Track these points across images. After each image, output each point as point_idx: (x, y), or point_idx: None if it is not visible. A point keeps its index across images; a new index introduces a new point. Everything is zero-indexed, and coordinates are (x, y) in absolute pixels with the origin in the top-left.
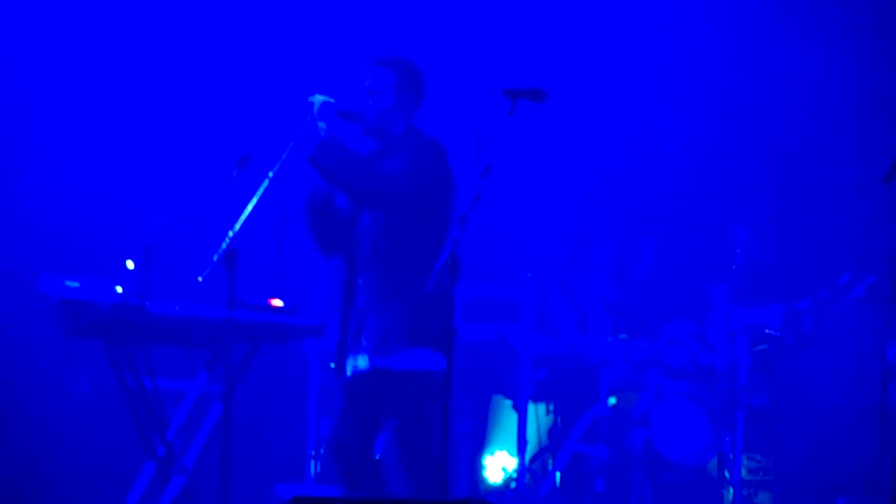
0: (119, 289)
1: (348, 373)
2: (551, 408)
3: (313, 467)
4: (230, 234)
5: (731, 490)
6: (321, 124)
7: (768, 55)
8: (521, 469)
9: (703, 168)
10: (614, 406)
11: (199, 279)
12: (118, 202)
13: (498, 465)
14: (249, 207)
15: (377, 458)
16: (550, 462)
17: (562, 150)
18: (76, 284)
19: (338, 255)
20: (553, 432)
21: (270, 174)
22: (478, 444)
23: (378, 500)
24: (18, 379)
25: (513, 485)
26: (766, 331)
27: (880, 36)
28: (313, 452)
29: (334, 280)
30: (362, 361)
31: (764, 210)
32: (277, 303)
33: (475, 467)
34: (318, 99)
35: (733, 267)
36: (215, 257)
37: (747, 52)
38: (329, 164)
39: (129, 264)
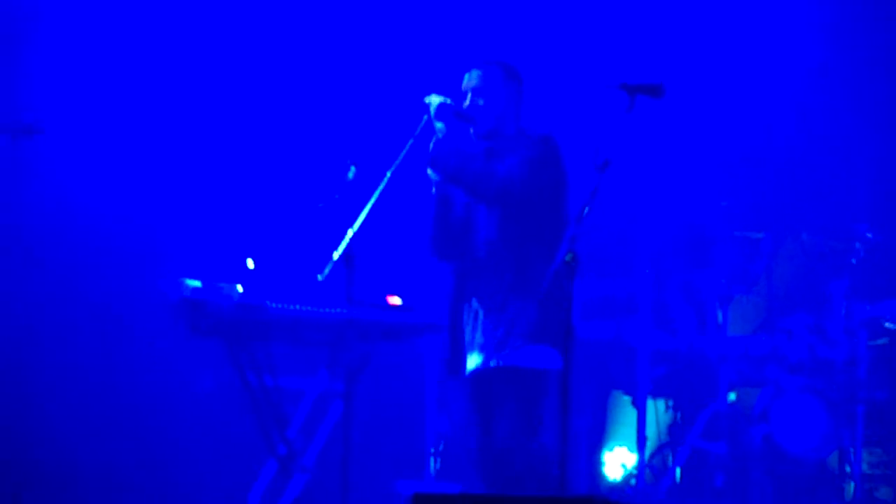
0: (240, 288)
1: (470, 367)
2: (670, 404)
3: (432, 464)
4: (350, 232)
5: (853, 484)
6: (439, 125)
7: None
8: (641, 465)
9: (822, 162)
10: (734, 402)
11: (319, 277)
12: (239, 202)
13: (617, 462)
14: (368, 206)
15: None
16: (670, 458)
17: (682, 146)
18: (198, 284)
19: (453, 258)
20: (672, 428)
21: (388, 173)
22: (597, 441)
23: (500, 498)
24: (143, 378)
25: (632, 481)
26: (886, 324)
27: None
28: (432, 449)
29: (447, 279)
30: (479, 360)
31: (884, 203)
32: (395, 300)
33: (595, 464)
34: (436, 99)
35: (853, 261)
36: (335, 256)
37: (855, 41)
38: (450, 165)
39: (250, 264)
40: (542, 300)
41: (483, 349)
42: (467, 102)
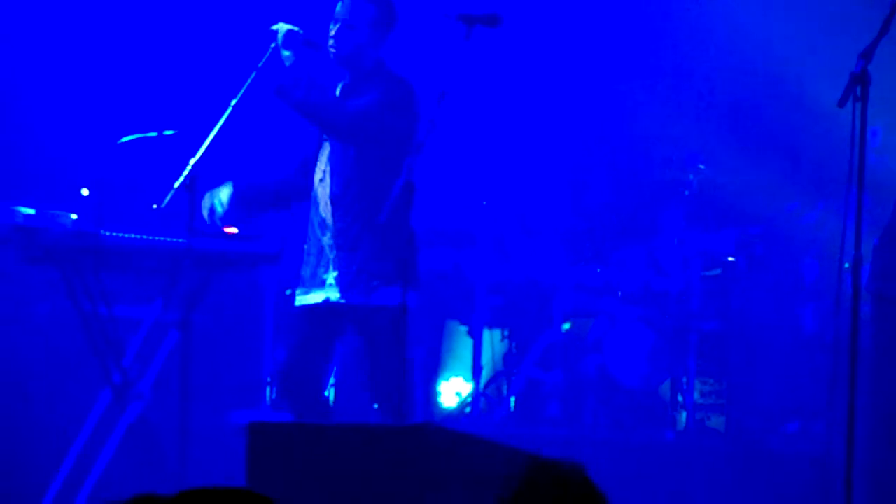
0: (74, 216)
1: (311, 302)
2: (506, 333)
3: (268, 394)
4: (192, 161)
5: (685, 413)
6: (286, 53)
7: None
8: (476, 394)
9: (660, 92)
10: (568, 331)
11: (155, 206)
12: (74, 130)
13: (453, 391)
14: (211, 136)
15: (328, 388)
16: (505, 387)
17: (518, 78)
18: (31, 212)
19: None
20: (507, 358)
21: (233, 102)
22: (432, 371)
23: (335, 426)
24: None
25: (467, 410)
26: (719, 256)
27: None
28: (268, 379)
29: (296, 212)
30: (328, 295)
31: (718, 136)
32: (232, 230)
33: (430, 393)
34: (283, 27)
35: (686, 192)
36: (176, 185)
37: None
38: (297, 95)
39: (84, 192)
40: (383, 232)
41: (335, 285)
42: (333, 31)
